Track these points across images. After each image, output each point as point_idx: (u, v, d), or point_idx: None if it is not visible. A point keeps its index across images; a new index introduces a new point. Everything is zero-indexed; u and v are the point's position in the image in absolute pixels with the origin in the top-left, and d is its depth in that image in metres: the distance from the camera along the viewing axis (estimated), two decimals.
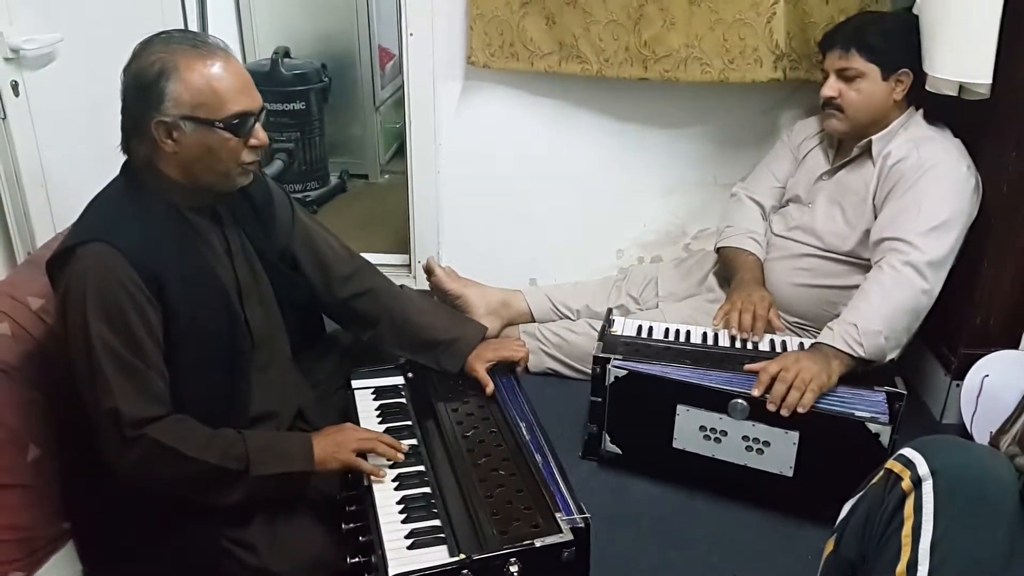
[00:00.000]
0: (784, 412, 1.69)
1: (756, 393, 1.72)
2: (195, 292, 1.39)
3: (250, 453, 1.36)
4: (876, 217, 1.95)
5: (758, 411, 1.73)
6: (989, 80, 1.81)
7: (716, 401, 1.76)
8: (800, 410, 1.68)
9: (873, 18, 2.01)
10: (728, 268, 2.19)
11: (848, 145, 2.06)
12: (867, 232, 1.97)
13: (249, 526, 1.41)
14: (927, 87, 1.92)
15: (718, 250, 2.25)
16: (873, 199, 1.96)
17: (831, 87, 1.99)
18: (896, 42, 1.93)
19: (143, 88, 1.33)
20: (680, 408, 1.80)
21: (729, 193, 2.35)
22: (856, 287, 1.98)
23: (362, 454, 1.45)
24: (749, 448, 1.77)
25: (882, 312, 1.78)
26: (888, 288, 1.80)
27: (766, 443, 1.75)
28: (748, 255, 2.15)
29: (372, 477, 1.43)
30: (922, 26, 1.92)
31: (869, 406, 1.70)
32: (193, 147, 1.35)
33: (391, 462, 1.47)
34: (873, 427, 1.66)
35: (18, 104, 1.91)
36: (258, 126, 1.39)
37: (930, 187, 1.86)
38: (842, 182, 2.05)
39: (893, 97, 1.96)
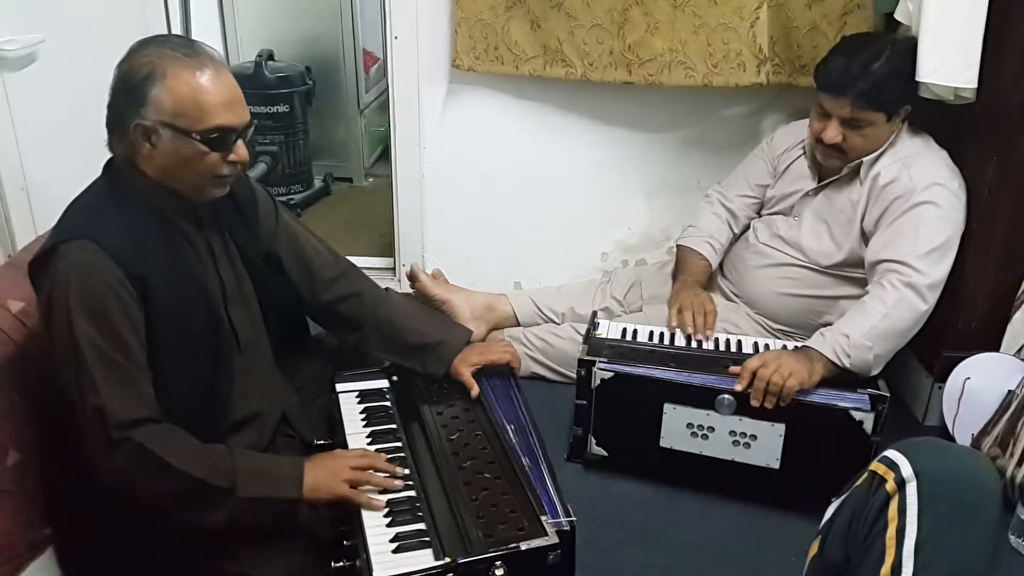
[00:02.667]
0: (767, 404, 1.72)
1: (739, 388, 1.75)
2: (178, 293, 1.38)
3: (238, 472, 1.32)
4: (864, 237, 1.96)
5: (744, 406, 1.75)
6: (975, 85, 1.83)
7: (703, 397, 1.78)
8: (782, 403, 1.71)
9: (877, 58, 1.87)
10: (678, 266, 2.24)
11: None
12: (852, 251, 1.98)
13: (231, 533, 1.39)
14: (921, 93, 1.92)
15: (677, 247, 2.28)
16: (862, 220, 1.96)
17: (836, 133, 1.92)
18: (904, 84, 1.87)
19: (129, 89, 1.31)
20: (667, 407, 1.81)
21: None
22: (842, 298, 2.01)
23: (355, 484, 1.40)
24: (736, 443, 1.79)
25: (878, 329, 1.79)
26: (889, 307, 1.81)
27: (753, 437, 1.78)
28: (700, 259, 2.19)
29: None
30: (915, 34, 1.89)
31: (852, 400, 1.73)
32: (168, 155, 1.33)
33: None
34: (857, 415, 1.69)
35: None
36: (240, 143, 1.36)
37: (926, 210, 1.86)
38: (829, 199, 2.04)
39: (892, 130, 1.95)
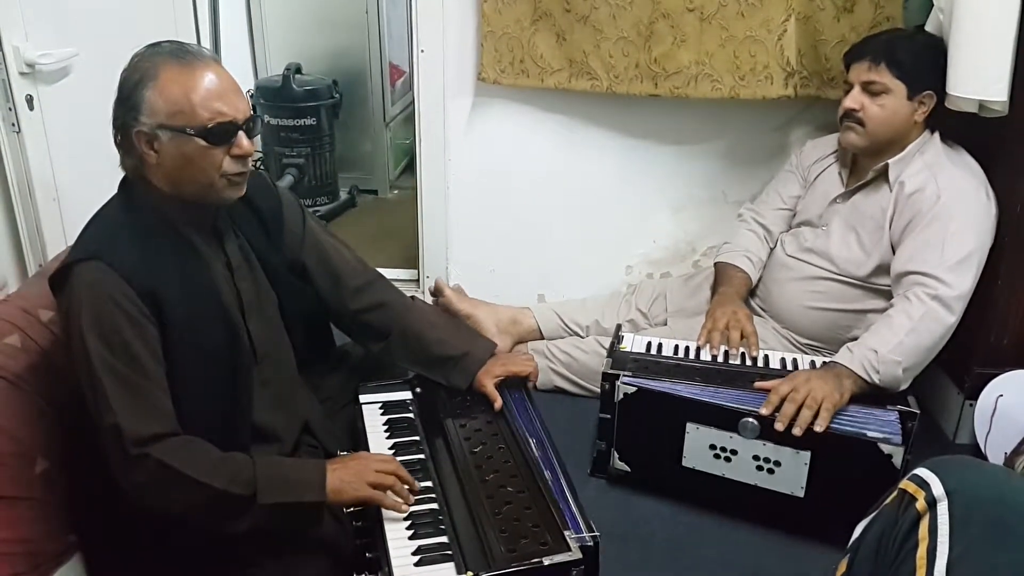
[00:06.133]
0: (796, 432, 1.68)
1: (765, 412, 1.71)
2: (193, 308, 1.38)
3: (259, 479, 1.32)
4: (892, 246, 1.94)
5: (769, 430, 1.71)
6: (1005, 97, 1.81)
7: (726, 419, 1.74)
8: (817, 429, 1.67)
9: (904, 35, 1.99)
10: (717, 281, 2.22)
11: (863, 166, 2.04)
12: (883, 259, 1.95)
13: (256, 543, 1.40)
14: (947, 105, 1.91)
15: (714, 265, 2.26)
16: (889, 227, 1.94)
17: (854, 99, 1.95)
18: (925, 62, 1.90)
19: (124, 98, 1.32)
20: (689, 426, 1.78)
21: (739, 210, 2.34)
22: (871, 311, 1.98)
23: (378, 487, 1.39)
24: (760, 468, 1.76)
25: (906, 344, 1.76)
26: (916, 320, 1.78)
27: (777, 463, 1.74)
28: (738, 271, 2.17)
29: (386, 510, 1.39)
30: None
31: (881, 426, 1.69)
32: (172, 157, 1.32)
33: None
34: (886, 448, 1.64)
35: (32, 118, 1.93)
36: (241, 135, 1.34)
37: (952, 220, 1.84)
38: (857, 206, 2.03)
39: (914, 118, 1.93)
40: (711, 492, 1.82)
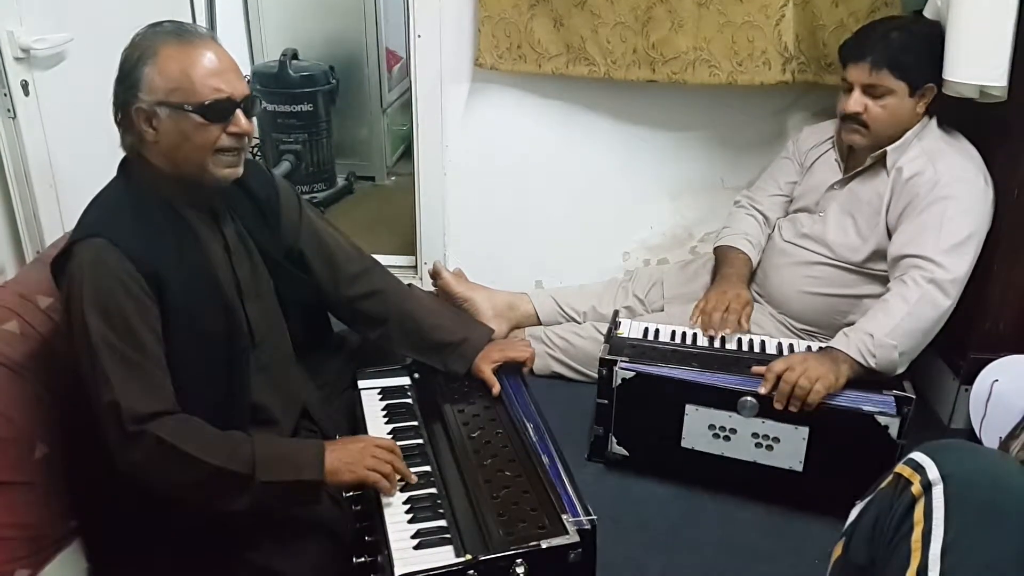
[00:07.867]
0: (792, 408, 1.70)
1: (763, 391, 1.73)
2: (193, 289, 1.38)
3: (257, 457, 1.32)
4: (889, 231, 1.94)
5: (767, 408, 1.74)
6: (1005, 83, 1.81)
7: (725, 399, 1.77)
8: (807, 407, 1.69)
9: (900, 27, 1.93)
10: (717, 264, 2.22)
11: (861, 154, 2.03)
12: (879, 244, 1.96)
13: (256, 526, 1.41)
14: (944, 91, 1.90)
15: (714, 250, 2.27)
16: (886, 213, 1.94)
17: (857, 103, 1.92)
18: (923, 57, 1.88)
19: (124, 75, 1.34)
20: (689, 408, 1.80)
21: (735, 196, 2.34)
22: (867, 296, 1.98)
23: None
24: (759, 445, 1.78)
25: (902, 327, 1.77)
26: (912, 304, 1.79)
27: (776, 439, 1.76)
28: (739, 253, 2.17)
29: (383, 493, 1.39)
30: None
31: (878, 403, 1.71)
32: (170, 134, 1.33)
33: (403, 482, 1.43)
34: (882, 419, 1.67)
35: (28, 103, 1.92)
36: (239, 113, 1.35)
37: (949, 205, 1.84)
38: (854, 192, 2.03)
39: (916, 111, 1.93)
40: (710, 471, 1.84)
